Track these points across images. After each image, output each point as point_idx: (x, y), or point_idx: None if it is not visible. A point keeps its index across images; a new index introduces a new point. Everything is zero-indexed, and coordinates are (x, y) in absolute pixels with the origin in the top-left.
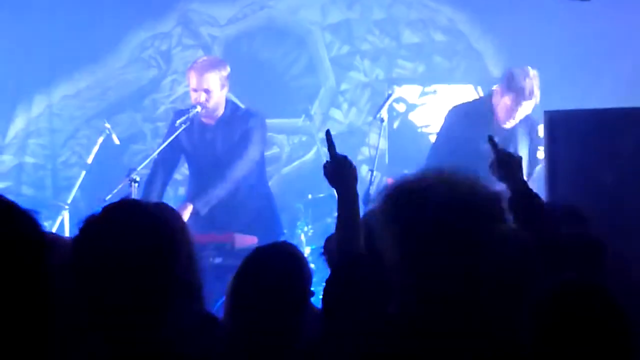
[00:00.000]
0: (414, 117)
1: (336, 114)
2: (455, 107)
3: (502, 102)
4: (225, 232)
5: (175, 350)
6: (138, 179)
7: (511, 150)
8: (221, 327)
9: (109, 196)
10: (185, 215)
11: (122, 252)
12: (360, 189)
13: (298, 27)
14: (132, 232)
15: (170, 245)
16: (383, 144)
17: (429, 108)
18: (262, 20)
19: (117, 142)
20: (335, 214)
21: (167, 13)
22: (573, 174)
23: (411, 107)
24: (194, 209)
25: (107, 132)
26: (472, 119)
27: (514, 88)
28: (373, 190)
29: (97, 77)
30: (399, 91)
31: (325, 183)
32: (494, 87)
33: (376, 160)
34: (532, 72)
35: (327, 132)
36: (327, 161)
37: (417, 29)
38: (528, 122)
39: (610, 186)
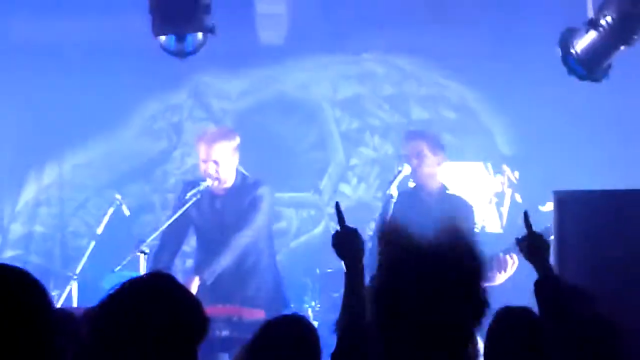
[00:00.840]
0: None
1: (345, 188)
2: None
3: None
4: (232, 304)
5: None
6: (147, 250)
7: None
8: None
9: (118, 267)
10: (193, 288)
11: (150, 327)
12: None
13: (308, 101)
14: (161, 307)
15: (195, 321)
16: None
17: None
18: (273, 95)
19: (127, 212)
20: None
21: (179, 85)
22: (581, 254)
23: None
24: (200, 279)
25: (118, 202)
26: (403, 198)
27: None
28: None
29: (109, 147)
30: (408, 168)
31: (333, 257)
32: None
33: None
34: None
35: (337, 205)
36: (336, 231)
37: (427, 105)
38: (463, 204)
39: (618, 266)
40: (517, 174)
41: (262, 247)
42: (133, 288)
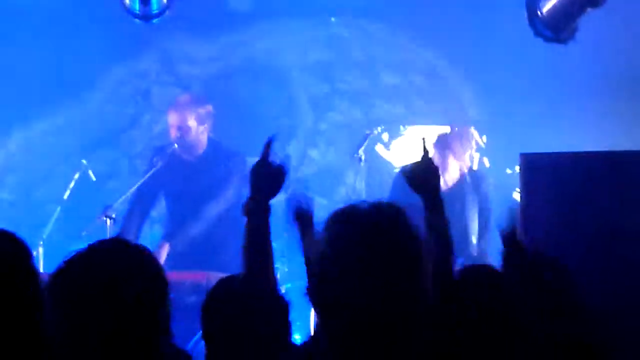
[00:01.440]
0: (391, 157)
1: (314, 153)
2: (399, 171)
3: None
4: (202, 270)
5: None
6: (114, 215)
7: (458, 207)
8: None
9: (84, 232)
10: (163, 254)
11: (109, 289)
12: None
13: (277, 66)
14: (121, 269)
15: (158, 285)
16: (360, 184)
17: (407, 149)
18: (241, 60)
19: (93, 178)
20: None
21: (146, 50)
22: (548, 217)
23: (388, 148)
24: (170, 246)
25: (84, 168)
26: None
27: (442, 146)
28: None
29: (75, 113)
30: (376, 131)
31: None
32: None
33: (352, 199)
34: (464, 131)
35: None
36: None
37: (396, 71)
38: (474, 177)
39: (586, 230)
40: (485, 138)
41: (233, 216)
42: (90, 253)
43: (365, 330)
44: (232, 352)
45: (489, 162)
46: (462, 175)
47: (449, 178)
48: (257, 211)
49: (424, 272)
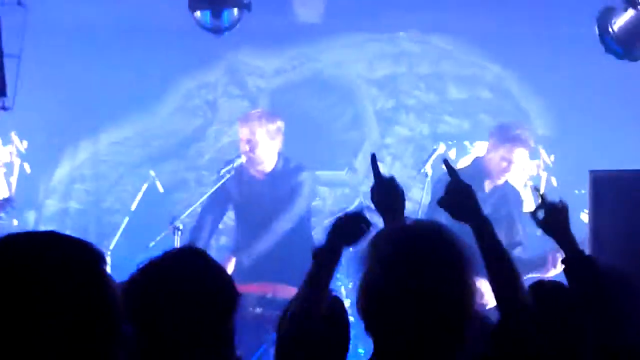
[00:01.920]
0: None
1: (380, 167)
2: (440, 176)
3: (496, 156)
4: (268, 283)
5: None
6: (181, 226)
7: (503, 212)
8: None
9: (152, 243)
10: (230, 268)
11: (181, 298)
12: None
13: (344, 80)
14: (194, 278)
15: (227, 294)
16: (426, 199)
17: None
18: (309, 73)
19: (161, 189)
20: None
21: (214, 62)
22: (618, 237)
23: (455, 164)
24: (237, 261)
25: (152, 179)
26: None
27: (506, 137)
28: None
29: (144, 124)
30: (443, 147)
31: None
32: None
33: (419, 214)
34: (522, 123)
35: (373, 156)
36: (373, 185)
37: (463, 85)
38: (512, 189)
39: None
40: (552, 157)
41: (301, 230)
42: (164, 261)
43: (414, 348)
44: None
45: (557, 181)
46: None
47: (504, 173)
48: (329, 257)
49: (470, 285)
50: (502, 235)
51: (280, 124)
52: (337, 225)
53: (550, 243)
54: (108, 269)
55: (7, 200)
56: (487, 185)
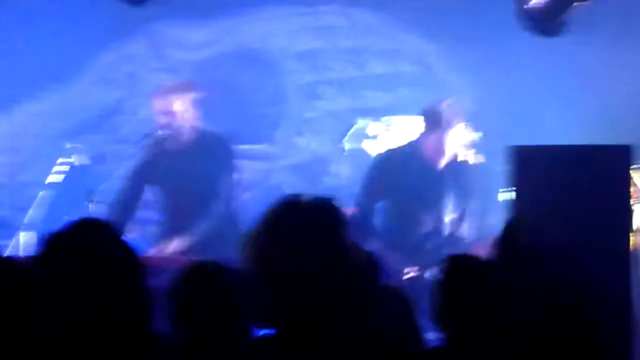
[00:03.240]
0: (377, 147)
1: (300, 142)
2: (377, 155)
3: (429, 142)
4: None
5: None
6: (97, 200)
7: (435, 194)
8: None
9: (67, 217)
10: (177, 245)
11: (89, 268)
12: None
13: (265, 53)
14: (100, 248)
15: (135, 263)
16: (345, 174)
17: (393, 139)
18: (230, 46)
19: (77, 163)
20: None
21: (134, 34)
22: (538, 211)
23: (375, 138)
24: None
25: (70, 152)
26: (395, 165)
27: (435, 124)
28: None
29: (61, 96)
30: (363, 121)
31: None
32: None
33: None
34: (448, 103)
35: None
36: None
37: (384, 60)
38: (455, 165)
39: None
40: (480, 133)
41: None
42: (64, 234)
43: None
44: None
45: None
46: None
47: (443, 158)
48: None
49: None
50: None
51: (195, 94)
52: None
53: None
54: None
55: None
56: (423, 168)
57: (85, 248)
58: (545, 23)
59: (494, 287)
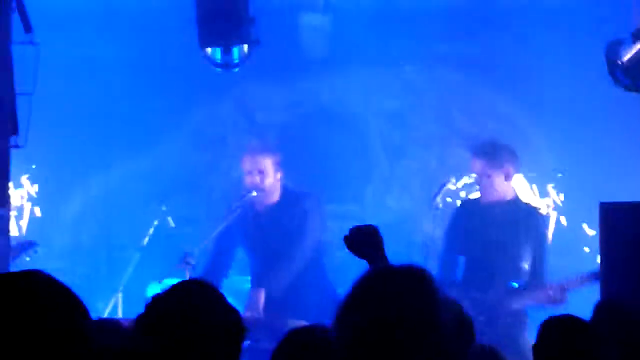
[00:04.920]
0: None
1: (389, 200)
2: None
3: (475, 170)
4: (289, 317)
5: None
6: (193, 262)
7: (493, 230)
8: None
9: (164, 280)
10: (261, 300)
11: (192, 331)
12: None
13: (351, 113)
14: (200, 311)
15: (234, 328)
16: (437, 232)
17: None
18: (316, 107)
19: (172, 224)
20: None
21: (223, 97)
22: (629, 270)
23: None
24: (265, 292)
25: (163, 214)
26: (466, 207)
27: (478, 152)
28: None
29: (155, 158)
30: (453, 180)
31: None
32: None
33: (429, 247)
34: (502, 142)
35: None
36: (349, 231)
37: (471, 117)
38: (526, 208)
39: None
40: (562, 196)
41: (315, 261)
42: (171, 295)
43: None
44: None
45: (566, 221)
46: (514, 197)
47: (496, 193)
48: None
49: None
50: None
51: (280, 156)
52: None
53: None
54: (119, 306)
55: (30, 244)
56: (479, 207)
57: (192, 310)
58: (637, 78)
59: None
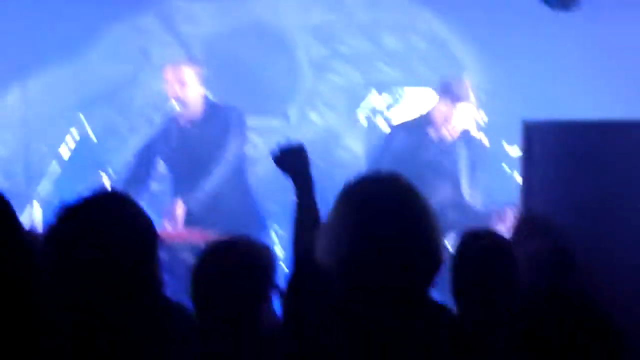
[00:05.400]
0: (390, 120)
1: (313, 116)
2: (394, 126)
3: (439, 112)
4: (209, 228)
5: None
6: (112, 173)
7: (448, 165)
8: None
9: (82, 190)
10: (180, 212)
11: (103, 242)
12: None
13: (278, 27)
14: (116, 222)
15: (150, 237)
16: (358, 147)
17: (406, 112)
18: (242, 20)
19: (91, 135)
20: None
21: (146, 8)
22: (549, 186)
23: (388, 111)
24: (186, 205)
25: (81, 125)
26: (411, 133)
27: (448, 94)
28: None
29: (74, 70)
30: (377, 95)
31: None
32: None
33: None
34: (464, 79)
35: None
36: (276, 148)
37: (398, 34)
38: (467, 138)
39: (587, 199)
40: (484, 116)
41: (238, 174)
42: (80, 206)
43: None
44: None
45: (488, 134)
46: (465, 131)
47: (453, 129)
48: (306, 190)
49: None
50: (446, 191)
51: (204, 70)
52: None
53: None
54: (36, 216)
55: None
56: (434, 135)
57: (104, 218)
58: None
59: (510, 263)
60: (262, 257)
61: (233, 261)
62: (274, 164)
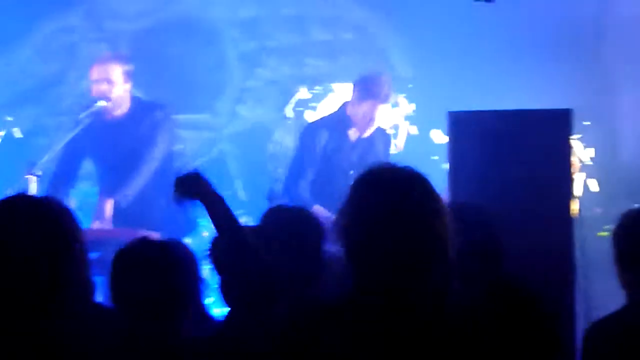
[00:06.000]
0: (319, 114)
1: (242, 110)
2: (308, 124)
3: (360, 110)
4: (132, 228)
5: (68, 341)
6: (40, 173)
7: (371, 159)
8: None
9: (9, 190)
10: (109, 210)
11: (12, 244)
12: (266, 185)
13: (206, 22)
14: (24, 224)
15: (62, 240)
16: (288, 141)
17: (334, 106)
18: (170, 16)
19: (18, 135)
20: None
21: (73, 5)
22: (475, 175)
23: (317, 105)
24: (115, 202)
25: (9, 125)
26: (328, 132)
27: (370, 94)
28: (277, 187)
29: (1, 68)
30: (305, 89)
31: (230, 180)
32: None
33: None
34: (385, 77)
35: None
36: (176, 178)
37: (326, 27)
38: (383, 134)
39: (511, 188)
40: (413, 105)
41: (166, 170)
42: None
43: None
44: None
45: (417, 126)
46: (379, 128)
47: (368, 127)
48: (217, 204)
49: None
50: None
51: (131, 66)
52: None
53: None
54: None
55: None
56: (353, 135)
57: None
58: None
59: None
60: (180, 255)
61: (148, 259)
62: (180, 196)
